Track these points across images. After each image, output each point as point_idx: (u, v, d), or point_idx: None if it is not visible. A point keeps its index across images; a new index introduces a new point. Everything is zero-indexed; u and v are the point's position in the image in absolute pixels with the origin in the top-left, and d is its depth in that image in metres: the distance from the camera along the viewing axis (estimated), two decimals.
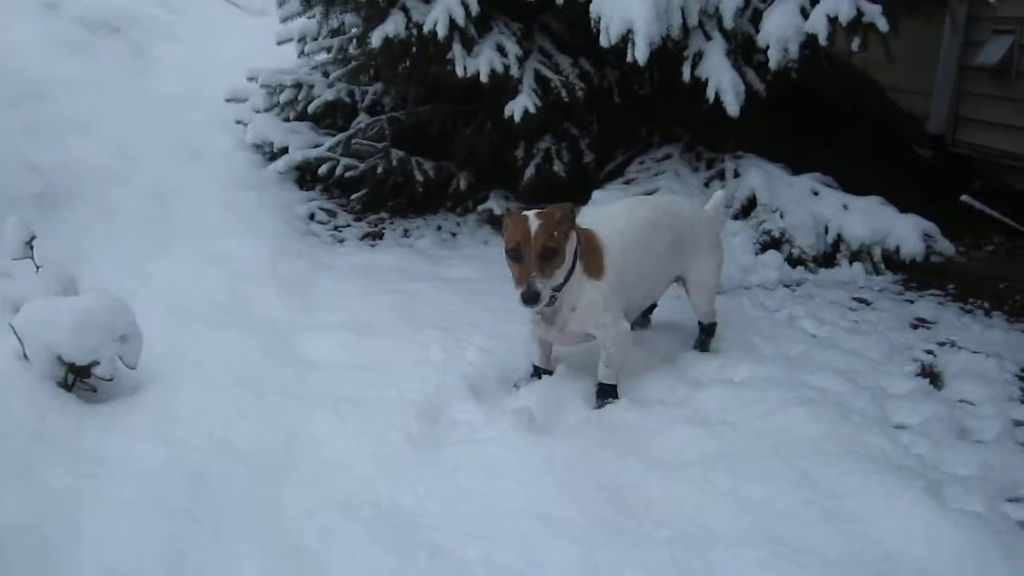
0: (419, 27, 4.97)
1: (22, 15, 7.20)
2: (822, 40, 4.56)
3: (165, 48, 7.78)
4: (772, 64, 4.71)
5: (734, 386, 3.34)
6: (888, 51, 4.68)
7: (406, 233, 5.68)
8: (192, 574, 2.29)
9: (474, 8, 4.95)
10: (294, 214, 5.65)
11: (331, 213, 5.84)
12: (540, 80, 5.22)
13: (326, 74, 6.38)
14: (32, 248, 3.31)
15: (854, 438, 2.92)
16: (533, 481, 2.66)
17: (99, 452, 2.71)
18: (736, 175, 5.43)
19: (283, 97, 6.26)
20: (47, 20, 7.28)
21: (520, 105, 5.07)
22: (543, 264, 2.91)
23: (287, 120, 6.26)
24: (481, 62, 5.01)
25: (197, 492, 2.58)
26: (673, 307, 4.03)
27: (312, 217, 5.72)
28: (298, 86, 6.24)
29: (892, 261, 5.05)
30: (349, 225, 5.75)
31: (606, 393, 3.25)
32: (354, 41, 6.12)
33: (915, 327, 4.20)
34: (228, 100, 6.60)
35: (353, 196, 5.87)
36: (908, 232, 5.03)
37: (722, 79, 4.80)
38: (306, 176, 6.08)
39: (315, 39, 6.53)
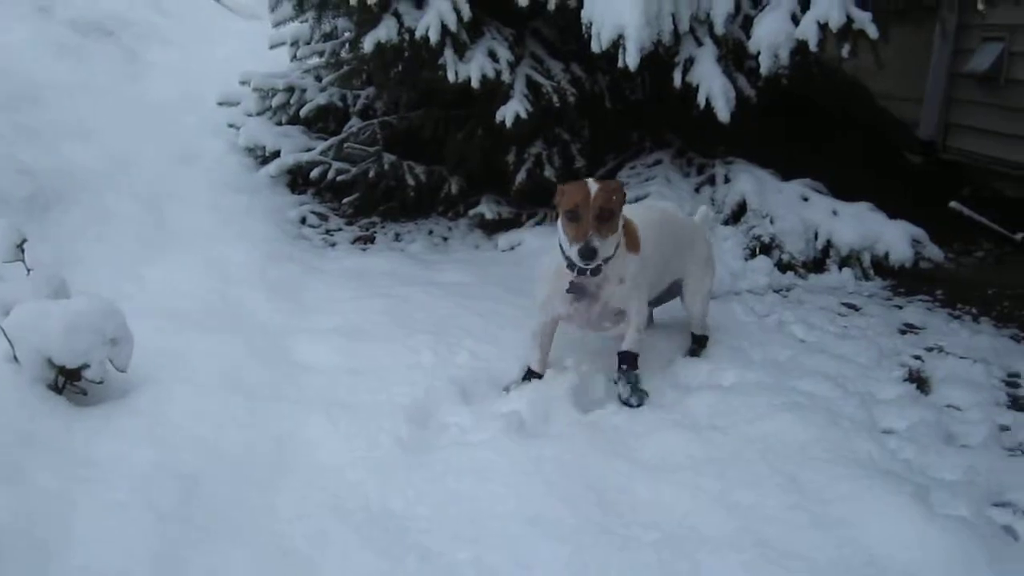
0: (411, 32, 4.98)
1: (13, 18, 7.16)
2: (812, 46, 4.59)
3: (158, 52, 7.75)
4: (763, 70, 4.75)
5: (723, 391, 3.36)
6: (878, 58, 4.71)
7: (398, 237, 5.68)
8: None
9: (466, 14, 4.97)
10: (286, 218, 5.64)
11: (323, 217, 5.84)
12: (531, 85, 5.24)
13: (318, 78, 6.38)
14: (23, 251, 3.30)
15: (842, 443, 2.94)
16: (522, 484, 2.67)
17: (89, 455, 2.70)
18: (726, 180, 5.47)
19: (275, 101, 6.25)
20: (39, 23, 7.23)
21: (511, 110, 5.10)
22: (600, 225, 3.00)
23: (279, 124, 6.24)
24: (473, 67, 5.03)
25: (188, 495, 2.58)
26: (664, 310, 4.05)
27: (304, 221, 5.72)
28: (290, 90, 6.23)
29: (881, 267, 5.08)
30: (341, 229, 5.75)
31: (631, 362, 3.33)
32: (346, 45, 6.12)
33: (903, 333, 4.23)
34: (220, 104, 6.57)
35: (345, 200, 5.87)
36: (897, 238, 5.07)
37: (713, 85, 4.82)
38: (298, 180, 6.07)
39: (307, 43, 6.53)
